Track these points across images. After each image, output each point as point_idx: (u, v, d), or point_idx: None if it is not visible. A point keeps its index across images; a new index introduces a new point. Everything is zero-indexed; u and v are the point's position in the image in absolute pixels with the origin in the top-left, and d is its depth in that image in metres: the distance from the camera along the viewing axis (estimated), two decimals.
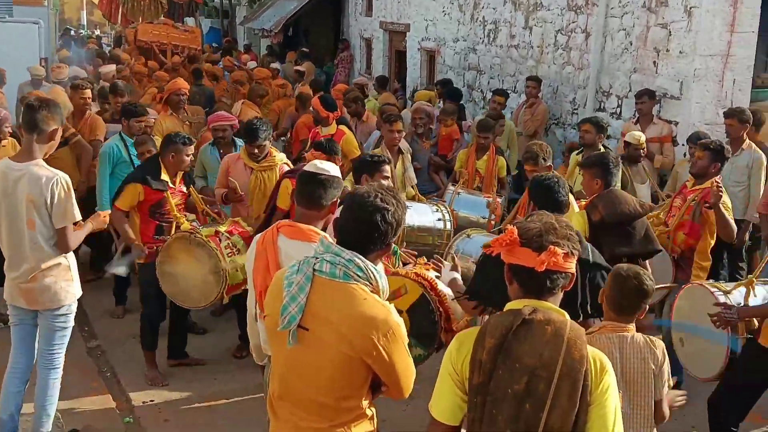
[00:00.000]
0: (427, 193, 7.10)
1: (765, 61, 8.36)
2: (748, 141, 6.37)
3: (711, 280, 4.52)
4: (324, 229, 3.25)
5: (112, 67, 12.27)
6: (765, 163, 6.31)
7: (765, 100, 7.74)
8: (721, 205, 4.88)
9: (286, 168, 5.57)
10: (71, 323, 4.34)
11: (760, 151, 6.36)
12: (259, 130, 5.50)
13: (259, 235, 3.37)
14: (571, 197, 4.87)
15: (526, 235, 2.26)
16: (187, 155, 5.25)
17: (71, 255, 4.24)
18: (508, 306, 2.30)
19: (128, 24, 21.13)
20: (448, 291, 3.72)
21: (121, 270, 5.39)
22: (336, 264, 2.46)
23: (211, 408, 5.12)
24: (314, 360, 2.49)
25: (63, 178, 4.02)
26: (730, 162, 6.10)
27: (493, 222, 6.17)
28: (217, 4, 24.32)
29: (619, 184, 5.14)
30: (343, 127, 7.32)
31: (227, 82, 12.34)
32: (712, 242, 5.01)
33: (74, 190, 4.20)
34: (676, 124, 7.56)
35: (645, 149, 6.53)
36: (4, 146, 6.08)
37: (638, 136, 6.47)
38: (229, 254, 4.94)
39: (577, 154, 6.73)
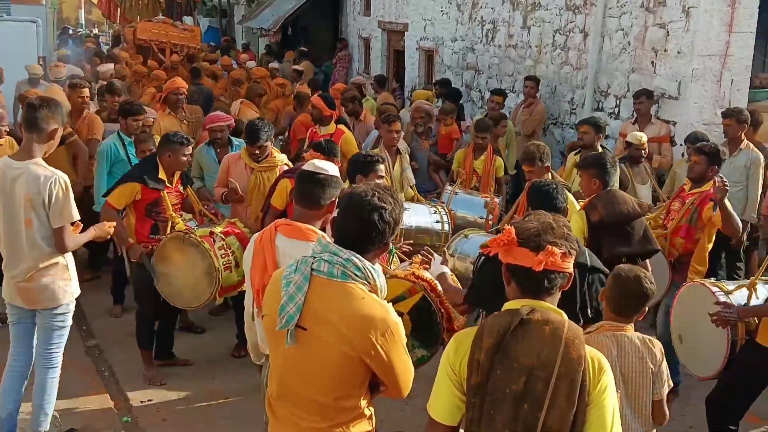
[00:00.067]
0: (427, 191, 7.11)
1: (763, 62, 8.39)
2: (746, 141, 6.38)
3: (713, 279, 4.52)
4: (323, 228, 3.25)
5: (110, 66, 12.27)
6: (763, 163, 6.33)
7: (763, 101, 7.76)
8: (726, 201, 4.88)
9: (287, 168, 5.56)
10: (69, 322, 4.34)
11: (758, 152, 6.37)
12: (260, 131, 5.49)
13: (257, 233, 3.38)
14: (572, 197, 4.88)
15: (524, 235, 2.26)
16: (185, 155, 5.24)
17: (69, 254, 4.23)
18: (506, 306, 2.30)
19: (127, 23, 21.11)
20: (427, 275, 3.74)
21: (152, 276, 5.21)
22: (334, 263, 2.46)
23: (210, 407, 5.12)
24: (313, 359, 2.49)
25: (62, 177, 4.01)
26: (728, 162, 6.10)
27: (490, 222, 6.17)
28: (215, 2, 24.29)
29: (617, 184, 5.14)
30: (342, 127, 7.32)
31: (226, 80, 12.33)
32: (710, 247, 5.01)
33: None
34: (674, 124, 7.57)
35: (647, 150, 6.53)
36: (1, 145, 6.08)
37: (640, 136, 6.46)
38: (224, 255, 4.95)
39: (575, 154, 6.73)
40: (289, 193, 4.70)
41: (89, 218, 5.19)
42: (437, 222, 5.65)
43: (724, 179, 4.76)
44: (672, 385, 3.28)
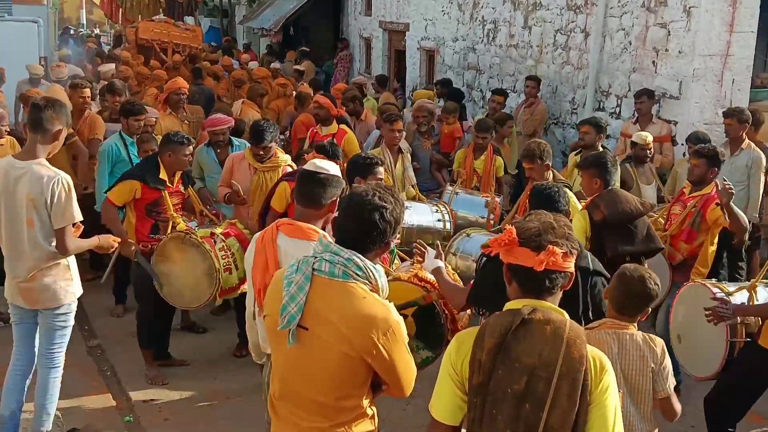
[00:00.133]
0: (429, 191, 7.11)
1: (764, 61, 8.39)
2: (747, 141, 6.37)
3: (713, 279, 4.52)
4: (324, 228, 3.26)
5: (112, 66, 12.27)
6: (764, 163, 6.32)
7: (764, 100, 7.76)
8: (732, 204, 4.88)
9: (290, 170, 5.54)
10: (71, 322, 4.34)
11: (759, 151, 6.37)
12: (265, 132, 5.47)
13: (259, 233, 3.38)
14: (573, 197, 4.88)
15: (525, 235, 2.26)
16: (185, 155, 5.24)
17: None
18: (507, 306, 2.30)
19: (129, 23, 21.12)
20: (431, 277, 3.74)
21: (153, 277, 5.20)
22: (335, 263, 2.46)
23: (212, 407, 5.12)
24: (314, 359, 2.49)
25: (64, 178, 4.01)
26: (730, 162, 6.12)
27: (492, 221, 6.17)
28: (216, 3, 24.30)
29: (618, 183, 5.14)
30: (344, 127, 7.33)
31: (228, 81, 12.34)
32: (713, 249, 5.01)
33: None
34: (676, 123, 7.57)
35: (652, 149, 6.53)
36: (1, 145, 6.08)
37: (645, 136, 6.45)
38: (224, 257, 4.95)
39: (576, 154, 6.74)
40: (288, 195, 4.69)
41: (90, 219, 5.19)
42: (439, 221, 5.65)
43: (727, 182, 4.76)
44: (675, 382, 3.27)
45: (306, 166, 3.39)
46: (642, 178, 6.39)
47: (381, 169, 4.56)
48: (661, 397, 3.17)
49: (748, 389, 4.08)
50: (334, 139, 6.49)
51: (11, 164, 4.03)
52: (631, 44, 8.23)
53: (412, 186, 6.54)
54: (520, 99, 9.78)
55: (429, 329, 3.67)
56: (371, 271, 2.49)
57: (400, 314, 2.55)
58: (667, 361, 3.18)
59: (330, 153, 4.89)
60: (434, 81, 12.00)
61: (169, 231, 5.13)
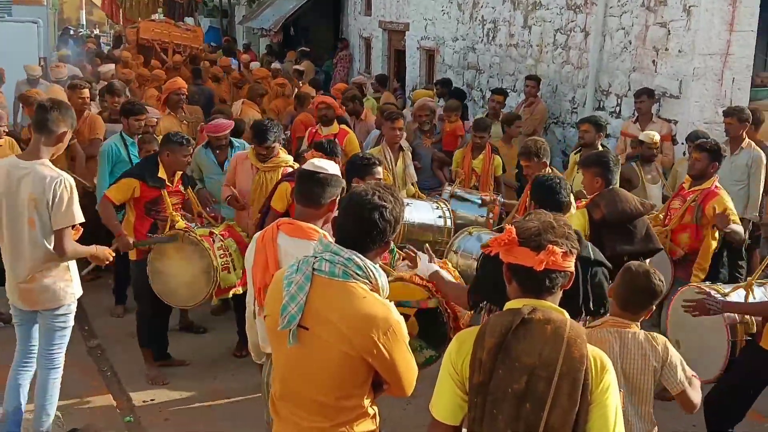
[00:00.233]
0: (430, 189, 7.11)
1: (764, 60, 8.39)
2: (747, 140, 6.38)
3: (708, 282, 4.51)
4: (324, 227, 3.25)
5: (111, 66, 12.26)
6: (764, 162, 6.33)
7: (764, 99, 7.76)
8: (733, 225, 4.91)
9: (290, 170, 5.52)
10: (71, 323, 4.33)
11: (760, 150, 6.37)
12: (268, 131, 5.45)
13: (259, 232, 3.38)
14: (571, 197, 4.87)
15: (525, 235, 2.25)
16: (184, 155, 5.24)
17: None
18: (508, 305, 2.30)
19: (129, 23, 21.12)
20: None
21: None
22: (335, 263, 2.46)
23: (212, 407, 5.13)
24: (315, 359, 2.49)
25: (67, 179, 4.01)
26: (730, 161, 6.11)
27: (491, 221, 6.17)
28: (216, 3, 24.30)
29: (618, 182, 5.14)
30: (345, 127, 7.33)
31: (228, 82, 12.35)
32: (715, 243, 5.01)
33: None
34: (676, 123, 7.57)
35: (659, 148, 6.52)
36: (1, 145, 6.08)
37: (653, 135, 6.46)
38: (222, 256, 4.95)
39: (576, 153, 6.74)
40: (289, 196, 4.68)
41: (90, 220, 5.19)
42: (440, 218, 5.64)
43: (728, 212, 4.83)
44: (692, 373, 3.18)
45: (305, 166, 3.39)
46: (648, 177, 6.40)
47: (379, 169, 4.54)
48: (675, 393, 3.11)
49: (749, 390, 4.07)
50: (336, 139, 6.48)
51: (15, 164, 4.03)
52: (631, 43, 8.23)
53: (412, 184, 6.53)
54: (520, 98, 9.78)
55: (432, 328, 3.67)
56: (371, 271, 2.49)
57: (402, 315, 2.55)
58: (673, 356, 3.12)
59: (328, 151, 4.88)
60: (434, 81, 12.00)
61: (167, 229, 5.13)
